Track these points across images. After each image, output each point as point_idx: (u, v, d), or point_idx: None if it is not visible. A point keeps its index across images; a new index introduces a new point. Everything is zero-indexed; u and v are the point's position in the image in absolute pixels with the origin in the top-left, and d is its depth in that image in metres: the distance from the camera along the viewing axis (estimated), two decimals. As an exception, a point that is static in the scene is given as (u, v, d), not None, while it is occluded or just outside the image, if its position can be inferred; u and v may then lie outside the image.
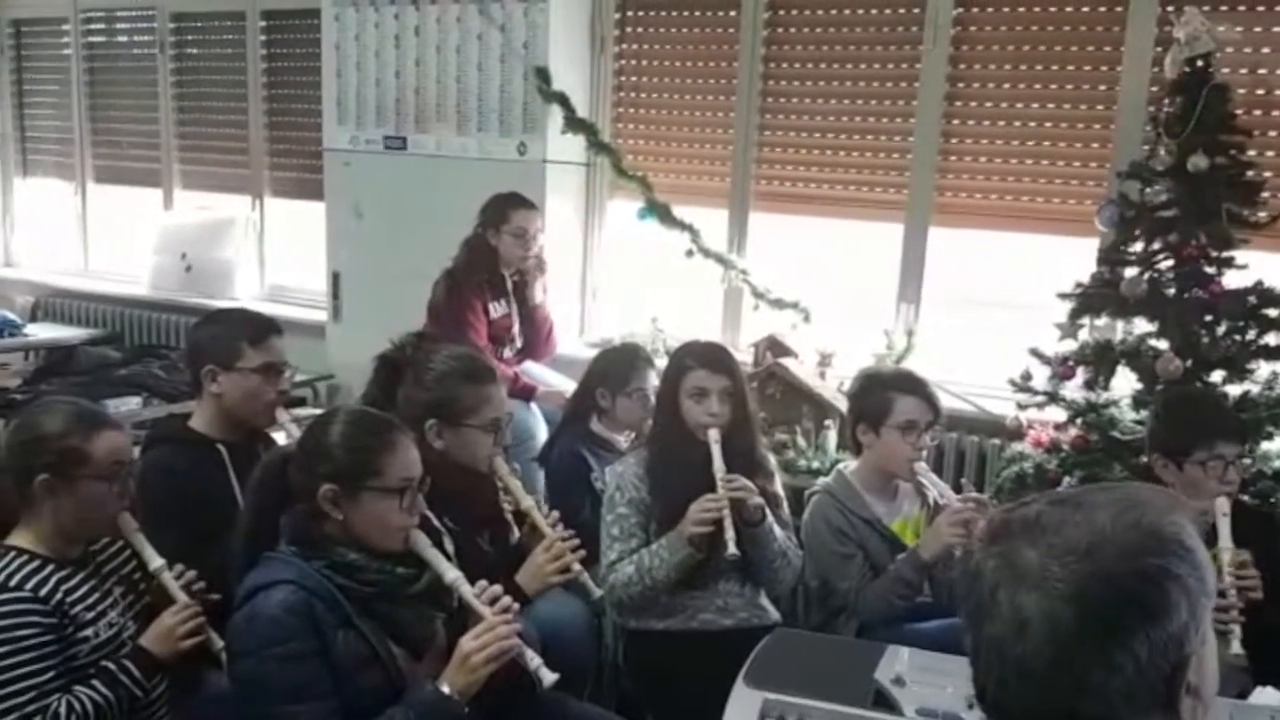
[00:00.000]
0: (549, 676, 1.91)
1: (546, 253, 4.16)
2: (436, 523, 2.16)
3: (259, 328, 2.56)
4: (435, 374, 2.41)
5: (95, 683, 1.97)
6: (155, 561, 2.13)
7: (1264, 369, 3.04)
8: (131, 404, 4.32)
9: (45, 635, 1.93)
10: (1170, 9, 3.39)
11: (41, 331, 5.68)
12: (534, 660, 1.91)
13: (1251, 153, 3.13)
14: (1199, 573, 0.97)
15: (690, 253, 4.20)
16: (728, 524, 2.47)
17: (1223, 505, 2.39)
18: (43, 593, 1.95)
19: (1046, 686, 0.96)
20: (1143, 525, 0.97)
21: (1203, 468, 2.49)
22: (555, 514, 2.46)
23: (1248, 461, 2.81)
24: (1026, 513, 1.01)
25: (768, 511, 2.59)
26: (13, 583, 1.93)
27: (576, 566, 2.35)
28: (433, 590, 1.94)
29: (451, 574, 1.93)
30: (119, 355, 5.20)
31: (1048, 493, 1.06)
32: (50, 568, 1.99)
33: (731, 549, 2.45)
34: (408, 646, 1.94)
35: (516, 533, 2.52)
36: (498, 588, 1.96)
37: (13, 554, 1.98)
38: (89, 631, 2.00)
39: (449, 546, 2.13)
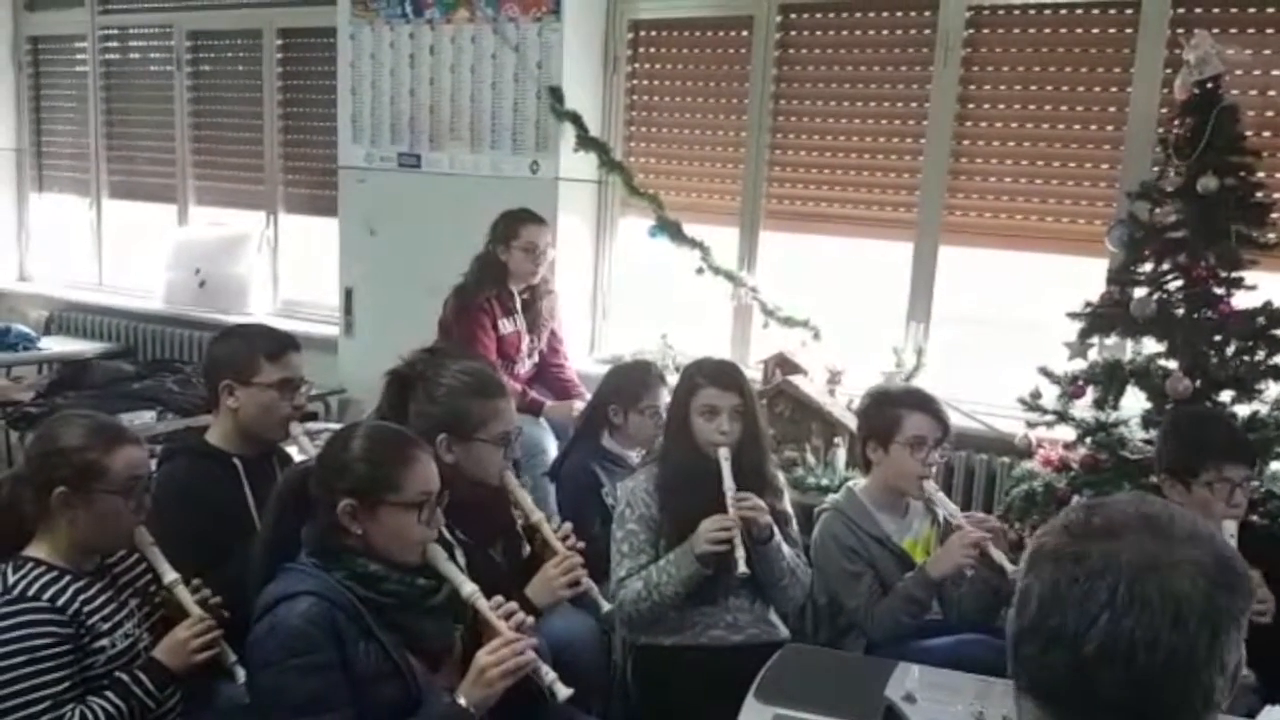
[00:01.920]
0: (563, 692, 1.92)
1: (558, 269, 4.19)
2: (448, 535, 2.18)
3: (277, 343, 2.58)
4: (445, 389, 2.42)
5: (109, 693, 1.98)
6: (169, 575, 2.14)
7: (1273, 389, 3.04)
8: (145, 418, 4.36)
9: (62, 645, 1.94)
10: (1180, 31, 3.41)
11: (56, 345, 5.72)
12: (549, 675, 1.93)
13: (1261, 174, 3.13)
14: None
15: (701, 270, 4.23)
16: (738, 543, 2.48)
17: (1229, 528, 2.39)
18: (60, 603, 1.97)
19: (1196, 670, 0.96)
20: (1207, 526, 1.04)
21: (1210, 489, 2.49)
22: (567, 526, 2.48)
23: (1256, 483, 2.81)
24: (1126, 511, 1.03)
25: (775, 530, 2.60)
26: (30, 593, 1.95)
27: (586, 581, 2.37)
28: (451, 602, 1.96)
29: (469, 587, 1.95)
30: (133, 369, 5.24)
31: (1121, 496, 1.08)
32: (67, 579, 2.01)
33: (742, 567, 2.46)
34: (425, 658, 1.95)
35: (528, 546, 2.53)
36: (513, 605, 1.98)
37: (31, 564, 2.00)
38: (105, 642, 2.02)
39: (460, 559, 2.15)
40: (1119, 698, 0.98)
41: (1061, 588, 1.00)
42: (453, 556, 2.05)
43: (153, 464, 2.34)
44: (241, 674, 2.04)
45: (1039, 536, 1.07)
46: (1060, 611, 1.00)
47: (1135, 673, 0.97)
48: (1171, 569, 0.97)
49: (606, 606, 2.48)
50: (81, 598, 2.00)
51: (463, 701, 1.84)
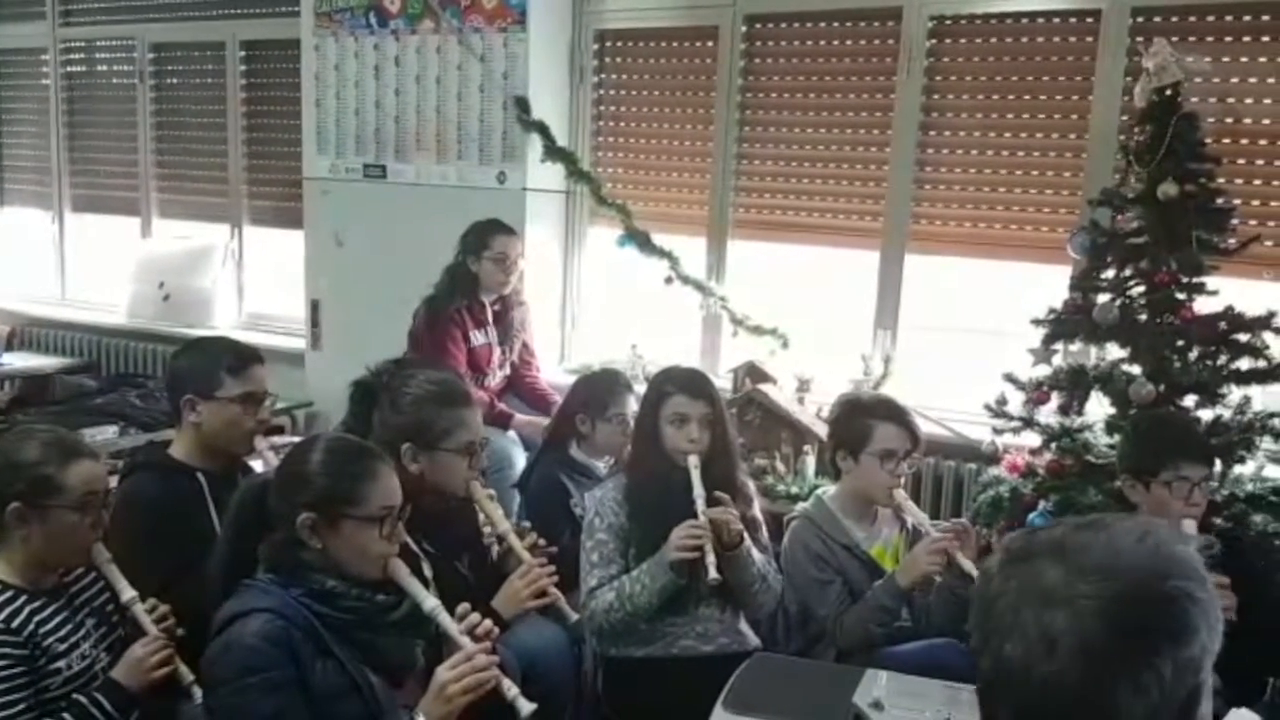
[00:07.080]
0: (526, 707, 1.90)
1: (527, 280, 4.17)
2: (415, 547, 2.16)
3: (239, 357, 2.56)
4: (410, 398, 2.42)
5: (66, 716, 1.95)
6: (127, 593, 2.11)
7: (1235, 393, 3.06)
8: (108, 433, 4.30)
9: (16, 667, 1.91)
10: (1140, 40, 3.46)
11: (17, 361, 5.65)
12: (511, 690, 1.91)
13: (1220, 180, 3.16)
14: (1212, 600, 0.97)
15: (669, 280, 4.22)
16: (709, 549, 2.47)
17: (1189, 527, 2.41)
18: (14, 624, 1.93)
19: (1073, 708, 0.94)
20: (1161, 550, 0.97)
21: (1169, 488, 2.51)
22: (533, 535, 2.47)
23: (1215, 484, 2.83)
24: (1050, 535, 1.01)
25: (745, 535, 2.60)
26: None
27: (553, 591, 2.36)
28: (412, 617, 1.94)
29: (430, 602, 1.92)
30: (96, 384, 5.18)
31: (1068, 518, 1.05)
32: (23, 598, 1.97)
33: (713, 573, 2.45)
34: (386, 674, 1.93)
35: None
36: (476, 615, 1.96)
37: (-15, 585, 1.97)
38: (61, 664, 1.98)
39: (427, 571, 2.13)
40: None
41: (975, 611, 1.01)
42: (419, 568, 2.03)
43: (113, 480, 2.31)
44: (199, 694, 2.01)
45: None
46: (978, 627, 1.01)
47: (1020, 701, 0.97)
48: (1057, 601, 0.95)
49: (574, 617, 2.47)
50: (37, 619, 1.97)
51: (422, 719, 1.82)
